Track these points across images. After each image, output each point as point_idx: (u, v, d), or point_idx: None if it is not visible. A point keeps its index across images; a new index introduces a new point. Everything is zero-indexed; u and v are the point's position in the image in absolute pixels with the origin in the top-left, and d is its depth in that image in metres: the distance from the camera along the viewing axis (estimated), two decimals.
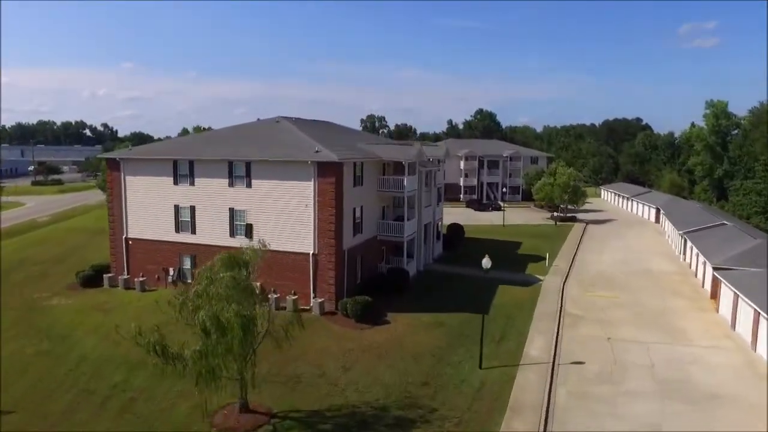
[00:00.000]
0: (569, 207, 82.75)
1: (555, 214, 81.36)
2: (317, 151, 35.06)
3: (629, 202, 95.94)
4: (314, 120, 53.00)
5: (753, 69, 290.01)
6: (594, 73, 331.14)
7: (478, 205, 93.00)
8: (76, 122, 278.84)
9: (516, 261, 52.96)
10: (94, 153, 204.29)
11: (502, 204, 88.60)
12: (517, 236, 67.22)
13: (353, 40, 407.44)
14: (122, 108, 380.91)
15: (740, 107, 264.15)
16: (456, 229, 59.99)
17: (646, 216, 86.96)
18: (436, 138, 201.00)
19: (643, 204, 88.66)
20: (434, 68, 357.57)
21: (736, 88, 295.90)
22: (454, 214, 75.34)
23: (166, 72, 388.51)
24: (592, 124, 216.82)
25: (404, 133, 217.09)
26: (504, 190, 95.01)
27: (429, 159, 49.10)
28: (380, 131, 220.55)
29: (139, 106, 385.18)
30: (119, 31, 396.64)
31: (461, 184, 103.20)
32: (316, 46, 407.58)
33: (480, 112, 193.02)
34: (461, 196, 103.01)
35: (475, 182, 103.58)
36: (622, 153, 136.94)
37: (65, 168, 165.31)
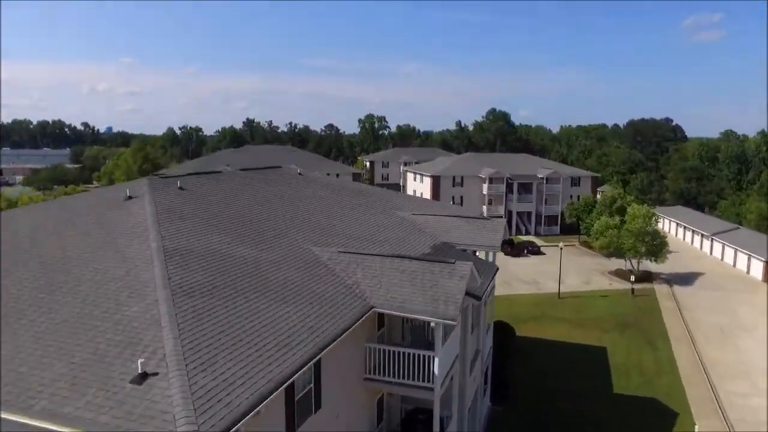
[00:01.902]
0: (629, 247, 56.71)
1: (630, 277, 55.50)
2: None
3: (708, 242, 70.41)
4: (243, 172, 27.29)
5: (759, 63, 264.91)
6: (596, 68, 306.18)
7: (511, 248, 67.60)
8: (54, 121, 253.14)
9: (625, 426, 27.82)
10: (60, 158, 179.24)
11: (551, 238, 63.55)
12: (589, 325, 42.23)
13: (353, 34, 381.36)
14: (122, 103, 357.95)
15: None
16: (504, 338, 34.21)
17: (743, 267, 61.44)
18: (444, 143, 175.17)
19: (736, 250, 63.20)
20: (434, 62, 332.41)
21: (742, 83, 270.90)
22: None
23: (166, 67, 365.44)
24: (615, 125, 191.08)
25: (407, 134, 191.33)
26: (556, 232, 69.49)
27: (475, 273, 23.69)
28: (380, 132, 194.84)
29: (140, 101, 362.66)
30: (118, 25, 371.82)
31: (484, 213, 77.82)
32: (316, 40, 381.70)
33: (492, 112, 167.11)
34: None
35: (501, 211, 78.18)
36: (671, 166, 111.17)
37: (17, 178, 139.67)
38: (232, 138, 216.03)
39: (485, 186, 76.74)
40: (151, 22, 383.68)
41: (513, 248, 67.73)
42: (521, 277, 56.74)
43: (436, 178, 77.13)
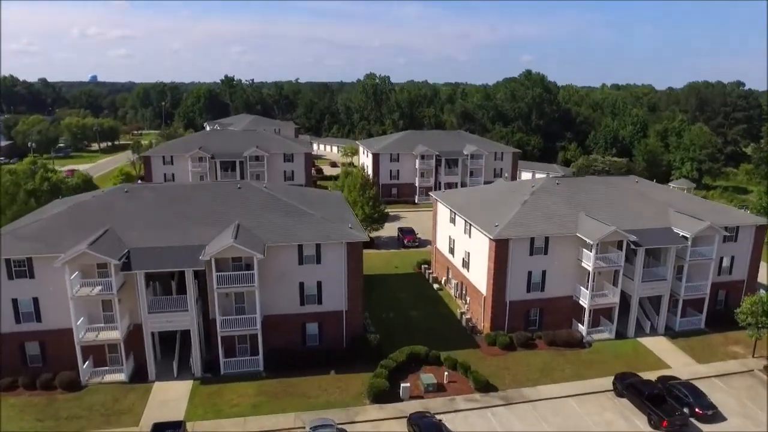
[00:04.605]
0: None
1: None
2: None
3: None
4: None
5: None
6: (598, 8, 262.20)
7: (657, 411, 33.27)
8: (6, 78, 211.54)
9: None
10: None
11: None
12: None
13: None
14: (114, 47, 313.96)
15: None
16: None
17: None
18: (464, 114, 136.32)
19: None
20: (435, 4, 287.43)
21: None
22: None
23: (159, 9, 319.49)
24: (670, 88, 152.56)
25: (416, 101, 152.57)
26: (698, 325, 34.22)
27: None
28: (384, 95, 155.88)
29: (132, 46, 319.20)
30: None
31: (585, 303, 42.93)
32: None
33: (527, 75, 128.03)
34: (584, 330, 43.08)
35: (613, 296, 43.20)
36: None
37: None
38: (207, 98, 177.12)
39: (590, 255, 41.52)
40: None
41: (666, 410, 33.24)
42: None
43: (502, 243, 41.75)
